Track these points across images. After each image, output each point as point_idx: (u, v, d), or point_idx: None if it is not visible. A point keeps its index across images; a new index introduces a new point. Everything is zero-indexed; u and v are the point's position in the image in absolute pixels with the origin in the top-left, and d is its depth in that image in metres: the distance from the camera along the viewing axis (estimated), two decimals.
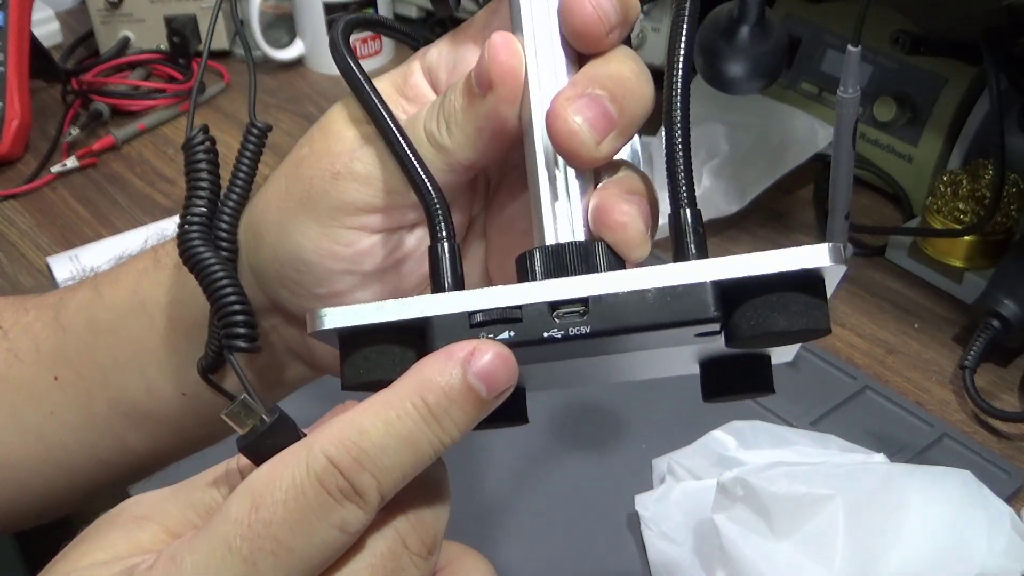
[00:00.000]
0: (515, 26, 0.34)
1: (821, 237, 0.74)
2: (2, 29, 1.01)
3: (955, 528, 0.52)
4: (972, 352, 0.72)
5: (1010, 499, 0.64)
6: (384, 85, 0.38)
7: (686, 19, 0.34)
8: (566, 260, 0.32)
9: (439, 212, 0.34)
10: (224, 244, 0.40)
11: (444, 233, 0.33)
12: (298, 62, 1.17)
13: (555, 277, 0.31)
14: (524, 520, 0.63)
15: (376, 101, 0.36)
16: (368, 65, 1.15)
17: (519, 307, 0.30)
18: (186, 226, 0.40)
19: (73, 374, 0.46)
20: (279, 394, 0.46)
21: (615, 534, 0.62)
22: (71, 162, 0.99)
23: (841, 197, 0.68)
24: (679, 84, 0.33)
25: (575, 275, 0.31)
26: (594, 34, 0.33)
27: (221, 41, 1.17)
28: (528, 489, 0.65)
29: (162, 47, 1.14)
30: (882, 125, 0.89)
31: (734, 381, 0.34)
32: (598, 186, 0.33)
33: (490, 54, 0.33)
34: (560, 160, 0.33)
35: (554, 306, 0.30)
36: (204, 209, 0.41)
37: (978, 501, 0.54)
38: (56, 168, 0.99)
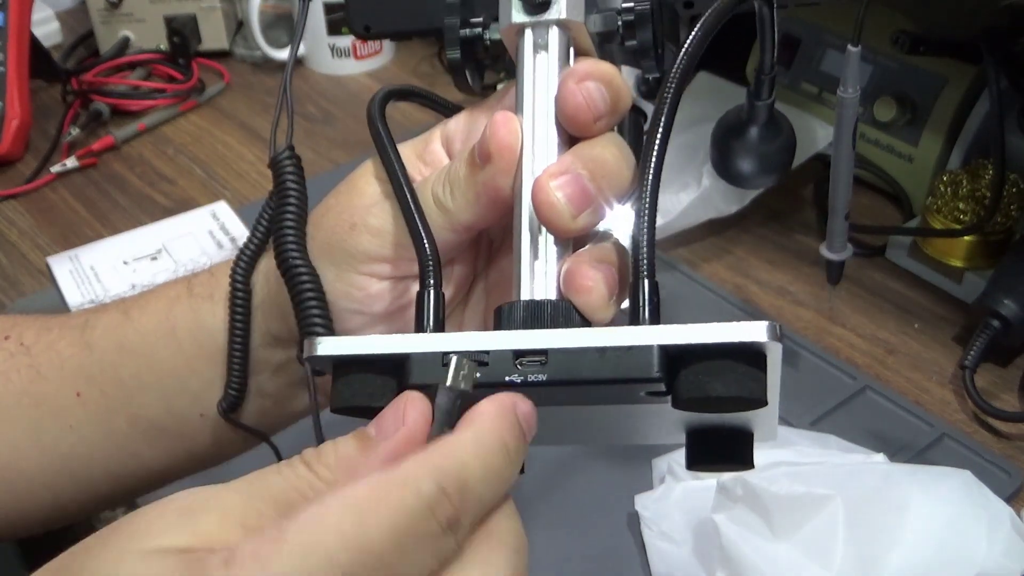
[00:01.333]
0: (518, 107, 0.39)
1: (821, 237, 0.74)
2: (2, 29, 1.01)
3: (955, 528, 0.52)
4: (972, 352, 0.72)
5: (1010, 499, 0.64)
6: (407, 151, 0.42)
7: (670, 92, 0.36)
8: (535, 315, 0.36)
9: (429, 263, 0.38)
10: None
11: (431, 282, 0.37)
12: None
13: (524, 329, 0.35)
14: (524, 520, 0.63)
15: (395, 162, 0.40)
16: (369, 65, 1.16)
17: (487, 352, 0.33)
18: (284, 240, 0.43)
19: (96, 391, 0.47)
20: (287, 422, 0.49)
21: (615, 534, 0.62)
22: (71, 162, 0.99)
23: (841, 197, 0.68)
24: (652, 163, 0.36)
25: (540, 329, 0.35)
26: (583, 121, 0.37)
27: (221, 41, 1.17)
28: (528, 489, 0.65)
29: (162, 47, 1.14)
30: (882, 125, 0.89)
31: (715, 452, 0.37)
32: (573, 253, 0.37)
33: (491, 130, 0.37)
34: (542, 227, 0.37)
35: (518, 354, 0.33)
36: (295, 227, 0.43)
37: (978, 501, 0.54)
38: (56, 168, 0.99)
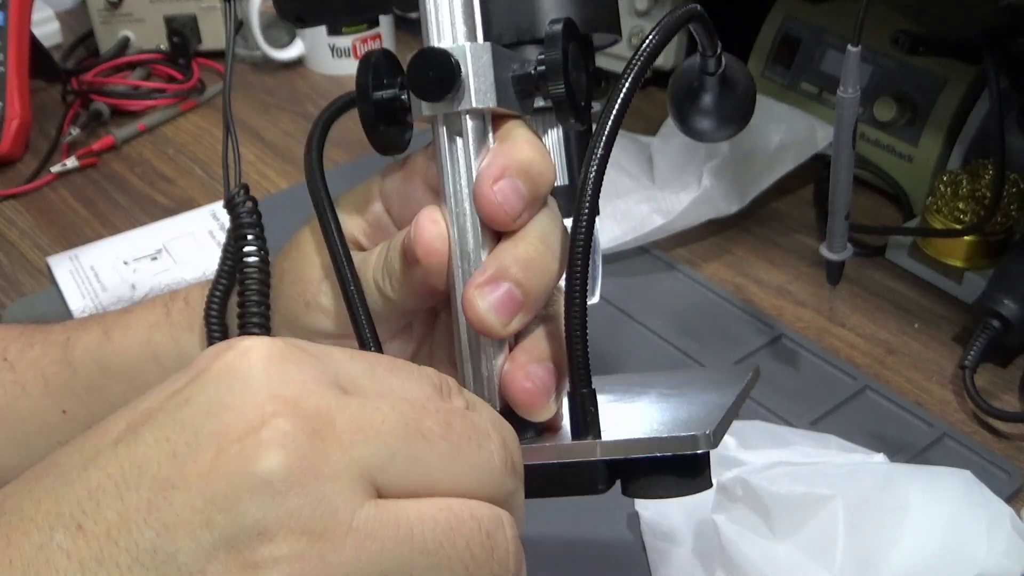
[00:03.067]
0: (442, 196, 0.37)
1: (821, 237, 0.74)
2: (2, 29, 1.01)
3: (955, 528, 0.52)
4: (972, 352, 0.72)
5: (1010, 499, 0.64)
6: (348, 207, 0.42)
7: (590, 185, 0.36)
8: None
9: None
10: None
11: None
12: (298, 62, 1.17)
13: None
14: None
15: (338, 245, 0.40)
16: None
17: None
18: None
19: (83, 410, 0.48)
20: None
21: (615, 534, 0.62)
22: (71, 162, 0.99)
23: (841, 197, 0.68)
24: (579, 282, 0.35)
25: None
26: (502, 222, 0.36)
27: (221, 41, 1.17)
28: None
29: (162, 47, 1.14)
30: (882, 125, 0.89)
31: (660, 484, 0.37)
32: (511, 351, 0.37)
33: (416, 233, 0.36)
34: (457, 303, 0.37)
35: None
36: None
37: (978, 501, 0.54)
38: (56, 168, 0.99)
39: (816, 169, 0.91)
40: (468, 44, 0.36)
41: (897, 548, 0.51)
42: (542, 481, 0.35)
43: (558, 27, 0.37)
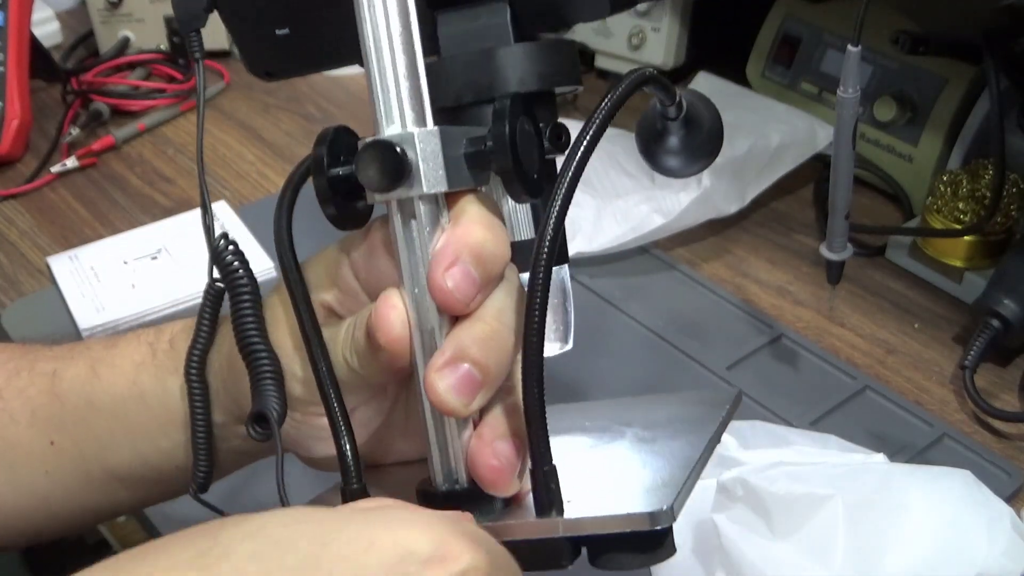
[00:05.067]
0: (400, 277, 0.38)
1: (821, 237, 0.74)
2: (2, 29, 1.01)
3: (955, 528, 0.52)
4: (972, 352, 0.72)
5: (1010, 499, 0.64)
6: (319, 270, 0.42)
7: (539, 296, 0.36)
8: (455, 505, 0.38)
9: (347, 451, 0.39)
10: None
11: (354, 476, 0.39)
12: None
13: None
14: None
15: (307, 322, 0.40)
16: None
17: None
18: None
19: (70, 442, 0.48)
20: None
21: None
22: (71, 162, 0.99)
23: (841, 197, 0.68)
24: (535, 367, 0.36)
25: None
26: (457, 308, 0.37)
27: (221, 41, 1.17)
28: None
29: (162, 47, 1.14)
30: (882, 125, 0.89)
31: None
32: (476, 427, 0.38)
33: (376, 321, 0.37)
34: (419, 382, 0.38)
35: None
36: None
37: (978, 501, 0.54)
38: (56, 168, 0.99)
39: (816, 169, 0.91)
40: (416, 131, 0.36)
41: (897, 548, 0.51)
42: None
43: (506, 103, 0.37)
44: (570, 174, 0.36)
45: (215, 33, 1.16)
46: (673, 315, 0.78)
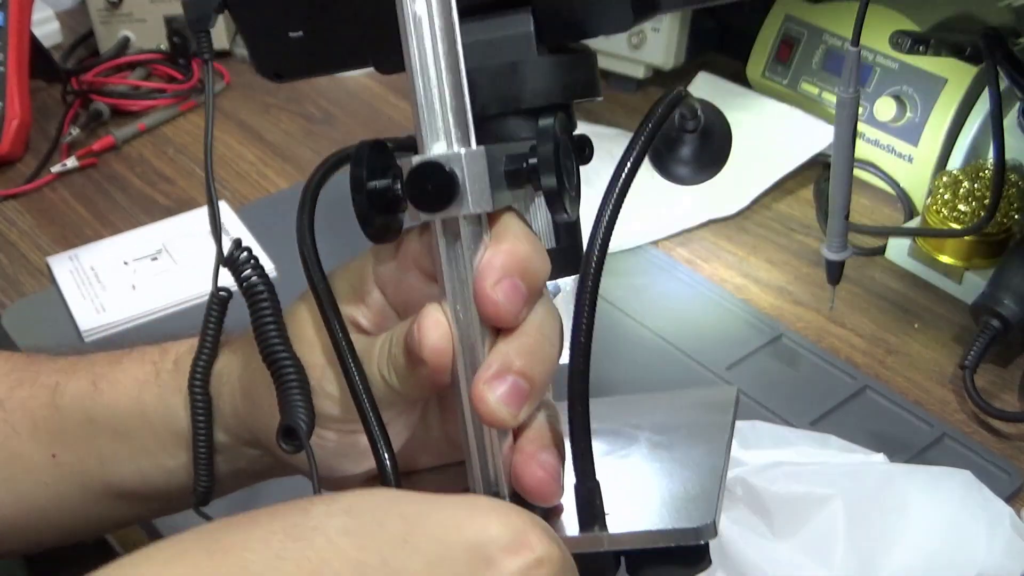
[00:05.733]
0: (441, 292, 0.38)
1: (821, 237, 0.74)
2: (2, 29, 1.01)
3: (955, 528, 0.52)
4: (972, 352, 0.72)
5: (1010, 499, 0.64)
6: (344, 286, 0.41)
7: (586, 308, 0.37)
8: None
9: (387, 465, 0.39)
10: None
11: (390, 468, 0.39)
12: None
13: None
14: None
15: (342, 341, 0.39)
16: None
17: None
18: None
19: (71, 456, 0.48)
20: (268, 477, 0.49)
21: None
22: (71, 162, 0.99)
23: (841, 197, 0.68)
24: (581, 381, 0.37)
25: None
26: (505, 321, 0.37)
27: (221, 41, 1.17)
28: None
29: (162, 47, 1.14)
30: (882, 125, 0.89)
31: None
32: (516, 440, 0.39)
33: (421, 337, 0.37)
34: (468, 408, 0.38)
35: None
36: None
37: (978, 501, 0.54)
38: (56, 168, 0.99)
39: (816, 169, 0.91)
40: (464, 151, 0.36)
41: (897, 548, 0.51)
42: None
43: (551, 121, 0.38)
44: (614, 197, 0.38)
45: (215, 33, 1.16)
46: (673, 315, 0.78)
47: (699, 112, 0.46)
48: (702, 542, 0.38)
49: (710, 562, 0.39)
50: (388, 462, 0.39)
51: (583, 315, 0.37)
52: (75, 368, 0.49)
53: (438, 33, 0.36)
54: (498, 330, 0.38)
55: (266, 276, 0.43)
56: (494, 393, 0.36)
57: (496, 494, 0.38)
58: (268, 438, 0.42)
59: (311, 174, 0.43)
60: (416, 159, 0.36)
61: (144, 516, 0.52)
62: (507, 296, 0.37)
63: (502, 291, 0.37)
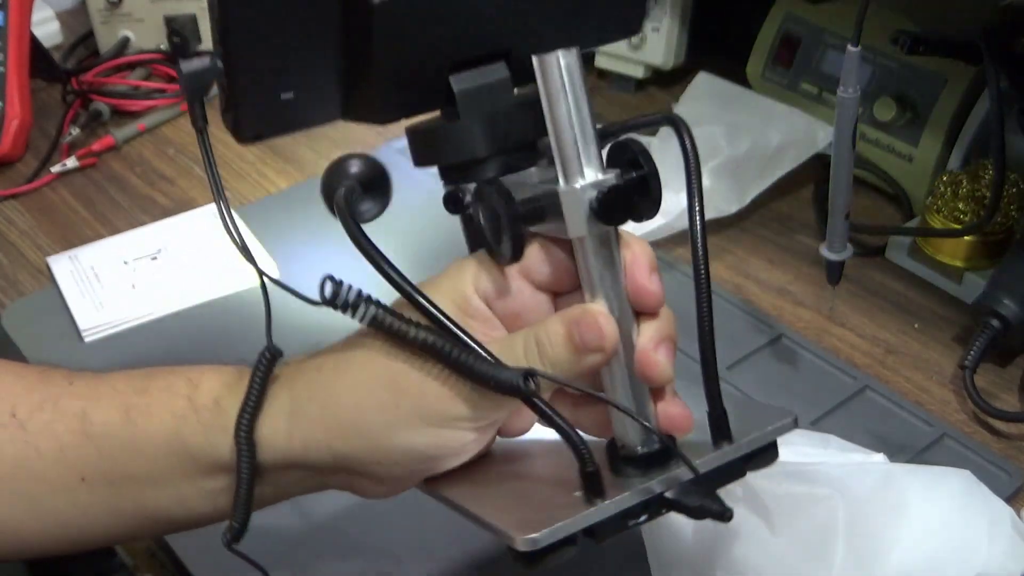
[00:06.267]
0: (594, 293, 0.44)
1: (821, 237, 0.74)
2: (2, 29, 1.01)
3: (955, 528, 0.52)
4: (972, 352, 0.72)
5: (1010, 499, 0.64)
6: (446, 302, 0.44)
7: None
8: (655, 461, 0.45)
9: (583, 451, 0.43)
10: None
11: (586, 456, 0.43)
12: None
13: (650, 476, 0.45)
14: None
15: (479, 351, 0.43)
16: None
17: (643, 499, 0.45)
18: None
19: (102, 480, 0.48)
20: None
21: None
22: (71, 162, 0.99)
23: (841, 197, 0.68)
24: (708, 326, 0.46)
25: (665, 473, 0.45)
26: (658, 305, 0.46)
27: None
28: None
29: (162, 47, 1.14)
30: (882, 125, 0.89)
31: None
32: (660, 395, 0.46)
33: (598, 330, 0.43)
34: (639, 382, 0.46)
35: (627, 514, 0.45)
36: None
37: (978, 501, 0.54)
38: (56, 168, 0.99)
39: (816, 169, 0.91)
40: (613, 174, 0.44)
41: (897, 548, 0.51)
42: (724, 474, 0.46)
43: (640, 145, 0.46)
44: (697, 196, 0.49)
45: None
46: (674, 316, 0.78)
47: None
48: (790, 427, 0.47)
49: (777, 454, 0.47)
50: (582, 448, 0.43)
51: (701, 272, 0.46)
52: (97, 394, 0.49)
53: (579, 82, 0.43)
54: (637, 313, 0.45)
55: (389, 308, 0.44)
56: (662, 356, 0.45)
57: (652, 444, 0.45)
58: (366, 457, 0.45)
59: (344, 202, 0.44)
60: (599, 184, 0.43)
61: (169, 532, 0.53)
62: (657, 284, 0.45)
63: (655, 282, 0.45)
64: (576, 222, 0.43)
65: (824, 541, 0.52)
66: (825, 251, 0.72)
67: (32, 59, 1.04)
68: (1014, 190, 0.79)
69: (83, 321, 0.80)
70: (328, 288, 0.42)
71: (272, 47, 0.42)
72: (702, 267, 0.46)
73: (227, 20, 0.40)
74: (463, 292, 0.45)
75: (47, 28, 1.21)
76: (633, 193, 0.44)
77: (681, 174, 0.90)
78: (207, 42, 1.16)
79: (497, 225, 0.43)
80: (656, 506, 0.45)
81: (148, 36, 1.15)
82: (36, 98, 1.06)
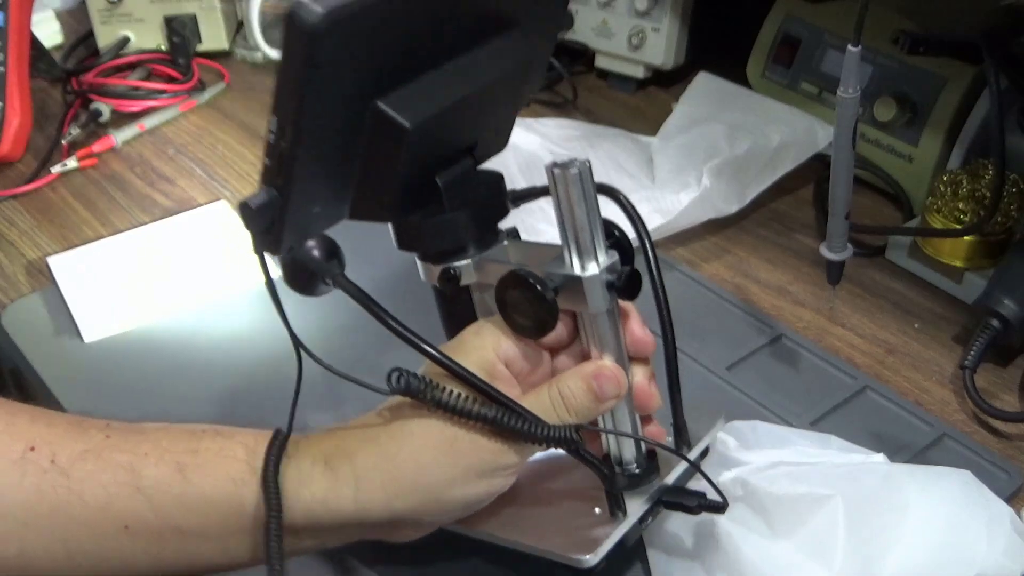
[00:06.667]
0: (602, 351, 0.52)
1: (821, 237, 0.74)
2: (2, 29, 1.01)
3: (955, 528, 0.52)
4: (972, 352, 0.72)
5: (1010, 499, 0.64)
6: (476, 369, 0.50)
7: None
8: (645, 476, 0.56)
9: (612, 479, 0.54)
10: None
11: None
12: None
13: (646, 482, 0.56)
14: None
15: (527, 416, 0.50)
16: None
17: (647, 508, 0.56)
18: None
19: (147, 530, 0.50)
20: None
21: None
22: (71, 162, 0.99)
23: (841, 197, 0.68)
24: (674, 366, 0.58)
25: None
26: (650, 353, 0.56)
27: (221, 41, 1.17)
28: None
29: (162, 47, 1.14)
30: (882, 125, 0.89)
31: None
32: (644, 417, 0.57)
33: (619, 383, 0.52)
34: (634, 411, 0.55)
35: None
36: None
37: (978, 501, 0.54)
38: (56, 168, 0.99)
39: (816, 169, 0.91)
40: (615, 259, 0.51)
41: (897, 548, 0.51)
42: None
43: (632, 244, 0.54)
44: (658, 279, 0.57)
45: (215, 33, 1.17)
46: (673, 315, 0.78)
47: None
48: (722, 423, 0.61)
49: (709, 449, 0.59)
50: (611, 476, 0.53)
51: (663, 312, 0.57)
52: (141, 449, 0.51)
53: (591, 187, 0.49)
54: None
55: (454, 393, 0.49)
56: (655, 391, 0.55)
57: (639, 443, 0.55)
58: (423, 510, 0.50)
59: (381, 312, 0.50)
60: (612, 268, 0.51)
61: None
62: (650, 335, 0.55)
63: (647, 333, 0.54)
64: (597, 300, 0.50)
65: (824, 541, 0.52)
66: (825, 251, 0.72)
67: (32, 59, 1.04)
68: (1014, 190, 0.79)
69: (83, 321, 0.80)
70: (401, 381, 0.48)
71: (323, 173, 0.47)
72: (664, 310, 0.57)
73: (294, 157, 0.44)
74: (489, 359, 0.51)
75: (47, 28, 1.21)
76: (633, 280, 0.51)
77: (680, 175, 0.90)
78: (207, 42, 1.16)
79: (534, 310, 0.50)
80: (657, 508, 0.56)
81: (148, 36, 1.15)
82: (36, 98, 1.06)
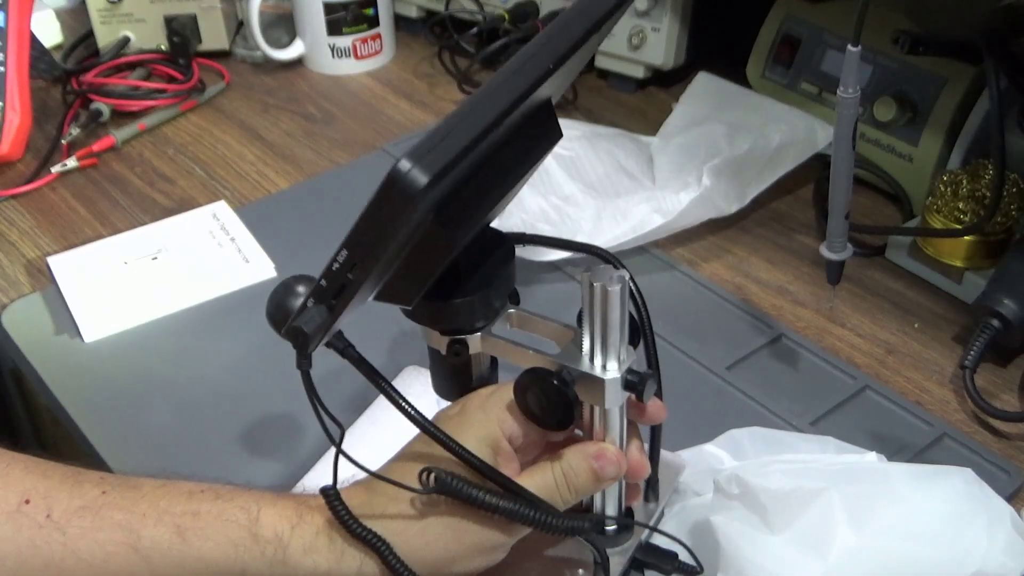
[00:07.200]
0: (606, 437, 0.54)
1: (821, 237, 0.74)
2: (2, 29, 1.01)
3: (955, 526, 0.52)
4: (972, 352, 0.72)
5: (1010, 499, 0.64)
6: (484, 451, 0.51)
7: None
8: (621, 534, 0.59)
9: (604, 553, 0.56)
10: None
11: None
12: (298, 62, 1.16)
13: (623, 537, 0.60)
14: None
15: (519, 488, 0.51)
16: (369, 65, 1.16)
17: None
18: None
19: None
20: None
21: None
22: (71, 162, 0.99)
23: (841, 197, 0.68)
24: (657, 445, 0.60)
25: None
26: (639, 479, 0.58)
27: (221, 41, 1.17)
28: None
29: (162, 47, 1.14)
30: (882, 125, 0.89)
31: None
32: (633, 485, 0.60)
33: (617, 466, 0.53)
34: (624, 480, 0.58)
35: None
36: None
37: (979, 499, 0.54)
38: (56, 168, 0.99)
39: (816, 169, 0.91)
40: (632, 360, 0.52)
41: (897, 544, 0.51)
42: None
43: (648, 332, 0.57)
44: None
45: (215, 33, 1.17)
46: (673, 315, 0.78)
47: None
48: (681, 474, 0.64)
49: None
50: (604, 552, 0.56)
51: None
52: (139, 508, 0.51)
53: (627, 300, 0.50)
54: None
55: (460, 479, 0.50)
56: (646, 463, 0.56)
57: (620, 503, 0.58)
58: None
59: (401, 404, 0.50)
60: (643, 374, 0.51)
61: None
62: (647, 463, 0.56)
63: (645, 461, 0.56)
64: (614, 400, 0.51)
65: (822, 538, 0.52)
66: (825, 251, 0.72)
67: (32, 59, 1.04)
68: (1014, 190, 0.79)
69: (83, 321, 0.80)
70: (435, 482, 0.49)
71: (371, 288, 0.48)
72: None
73: (358, 287, 0.45)
74: (494, 436, 0.52)
75: (47, 28, 1.21)
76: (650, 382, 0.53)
77: (680, 175, 0.90)
78: (207, 42, 1.16)
79: (553, 409, 0.51)
80: (632, 567, 0.59)
81: (148, 36, 1.15)
82: (36, 98, 1.06)
